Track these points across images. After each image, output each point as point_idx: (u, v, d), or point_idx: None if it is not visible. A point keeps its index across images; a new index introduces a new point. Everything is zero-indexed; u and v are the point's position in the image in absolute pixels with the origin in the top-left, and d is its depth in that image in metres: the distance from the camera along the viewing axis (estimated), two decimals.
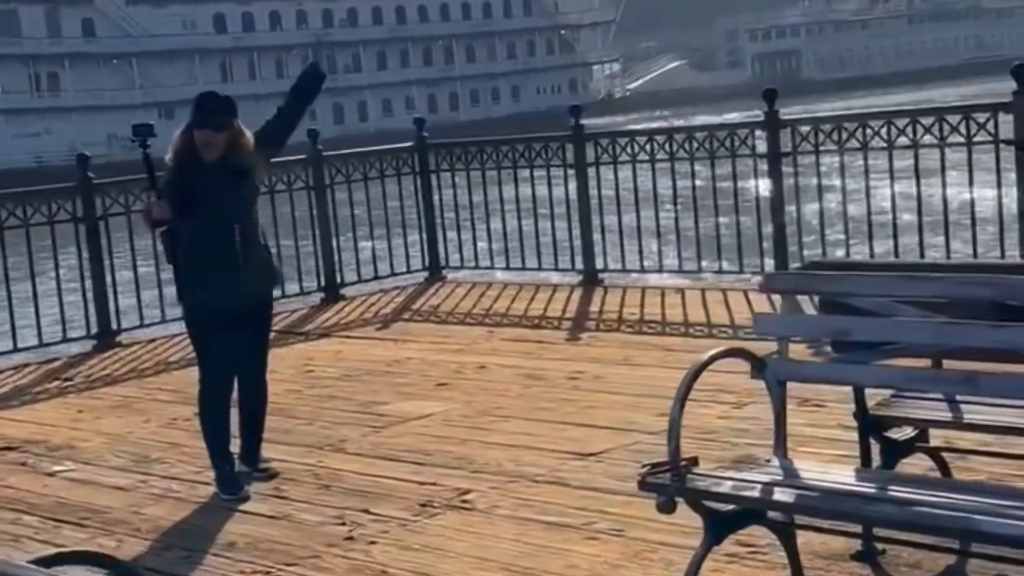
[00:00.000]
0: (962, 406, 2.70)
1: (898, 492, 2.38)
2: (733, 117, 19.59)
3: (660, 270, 7.87)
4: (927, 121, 6.22)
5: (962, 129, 6.06)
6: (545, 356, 6.19)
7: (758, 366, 2.68)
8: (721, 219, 7.49)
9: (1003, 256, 6.19)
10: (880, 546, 2.78)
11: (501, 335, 6.78)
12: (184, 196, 3.97)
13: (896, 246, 6.69)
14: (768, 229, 7.21)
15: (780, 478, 2.50)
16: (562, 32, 64.66)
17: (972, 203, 6.42)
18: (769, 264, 7.12)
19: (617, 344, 6.30)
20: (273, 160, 4.62)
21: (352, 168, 8.12)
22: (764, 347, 2.97)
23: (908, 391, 2.85)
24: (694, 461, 2.55)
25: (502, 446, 4.48)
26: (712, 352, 2.67)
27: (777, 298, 3.30)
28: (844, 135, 6.49)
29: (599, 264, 7.88)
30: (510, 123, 7.50)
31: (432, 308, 7.70)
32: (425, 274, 8.51)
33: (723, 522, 2.51)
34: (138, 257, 7.28)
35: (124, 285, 7.38)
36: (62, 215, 6.88)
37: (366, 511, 3.75)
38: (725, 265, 7.63)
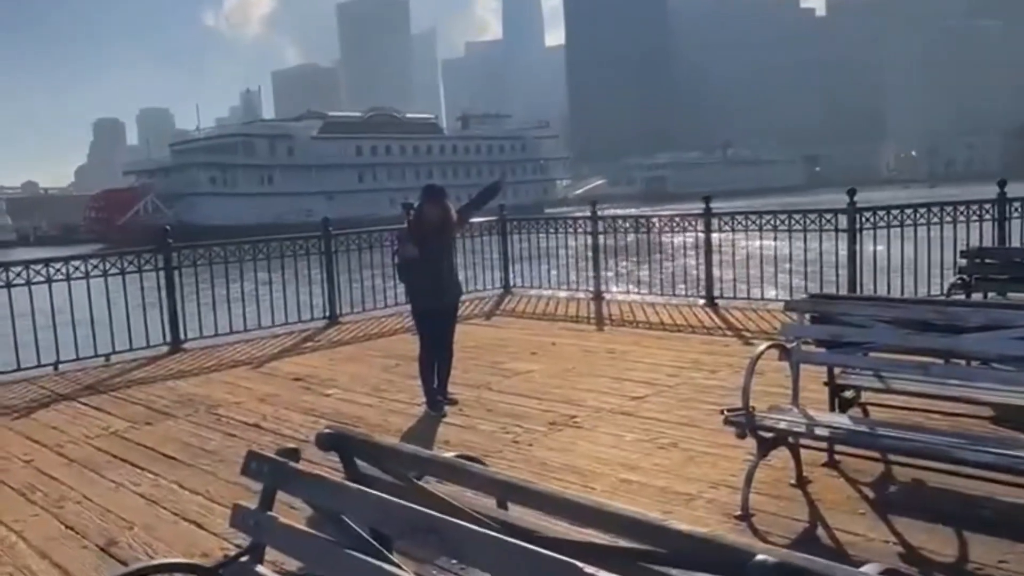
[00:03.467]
0: (884, 378, 4.83)
1: (883, 431, 4.19)
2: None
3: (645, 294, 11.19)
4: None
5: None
6: (590, 340, 8.96)
7: (786, 353, 4.83)
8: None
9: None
10: (838, 458, 4.98)
11: (558, 326, 9.98)
12: (416, 242, 6.18)
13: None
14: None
15: (803, 419, 4.42)
16: (541, 162, 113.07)
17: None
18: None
19: (627, 335, 9.21)
20: (464, 225, 7.47)
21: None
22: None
23: (852, 371, 4.96)
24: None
25: (584, 390, 6.72)
26: (764, 345, 4.79)
27: (793, 314, 5.44)
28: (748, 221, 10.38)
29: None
30: (516, 208, 12.42)
31: (511, 309, 11.28)
32: (501, 290, 12.66)
33: (767, 443, 4.38)
34: (353, 274, 10.98)
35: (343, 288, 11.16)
36: (313, 249, 10.73)
37: (518, 425, 5.86)
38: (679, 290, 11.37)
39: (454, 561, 2.74)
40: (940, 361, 4.62)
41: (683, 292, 11.11)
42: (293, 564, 2.52)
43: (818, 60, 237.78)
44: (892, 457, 4.62)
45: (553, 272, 12.41)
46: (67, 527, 4.51)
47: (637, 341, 8.75)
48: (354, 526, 1.97)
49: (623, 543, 1.79)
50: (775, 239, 10.19)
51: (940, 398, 4.67)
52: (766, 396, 5.06)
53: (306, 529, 2.03)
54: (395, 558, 1.92)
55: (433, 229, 6.22)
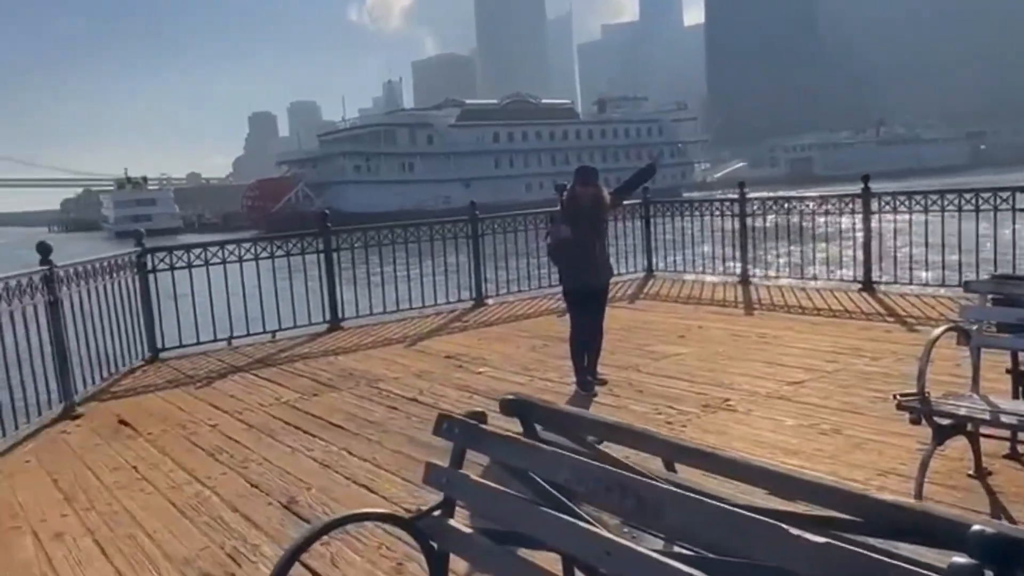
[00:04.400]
0: None
1: None
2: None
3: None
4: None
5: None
6: (738, 324, 8.74)
7: (965, 337, 4.56)
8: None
9: None
10: (1022, 449, 4.68)
11: (704, 310, 9.81)
12: (569, 223, 6.24)
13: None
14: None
15: (985, 406, 4.15)
16: (678, 145, 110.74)
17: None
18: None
19: (778, 319, 8.94)
20: (617, 207, 7.44)
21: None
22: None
23: None
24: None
25: (737, 374, 6.59)
26: (942, 327, 4.54)
27: (974, 296, 5.07)
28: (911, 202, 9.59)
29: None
30: (653, 193, 11.88)
31: (654, 292, 11.19)
32: (644, 273, 12.63)
33: (944, 431, 4.10)
34: (499, 257, 11.16)
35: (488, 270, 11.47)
36: (460, 233, 10.96)
37: (670, 407, 5.84)
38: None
39: (627, 530, 2.81)
40: None
41: (837, 276, 10.65)
42: (479, 521, 2.63)
43: (984, 28, 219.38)
44: None
45: (698, 256, 12.15)
46: (252, 485, 4.90)
47: (789, 326, 8.47)
48: (543, 483, 2.06)
49: (819, 511, 1.78)
50: (942, 220, 9.54)
51: None
52: (936, 384, 4.70)
53: (499, 487, 2.14)
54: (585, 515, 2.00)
55: (586, 210, 6.25)
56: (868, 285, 10.08)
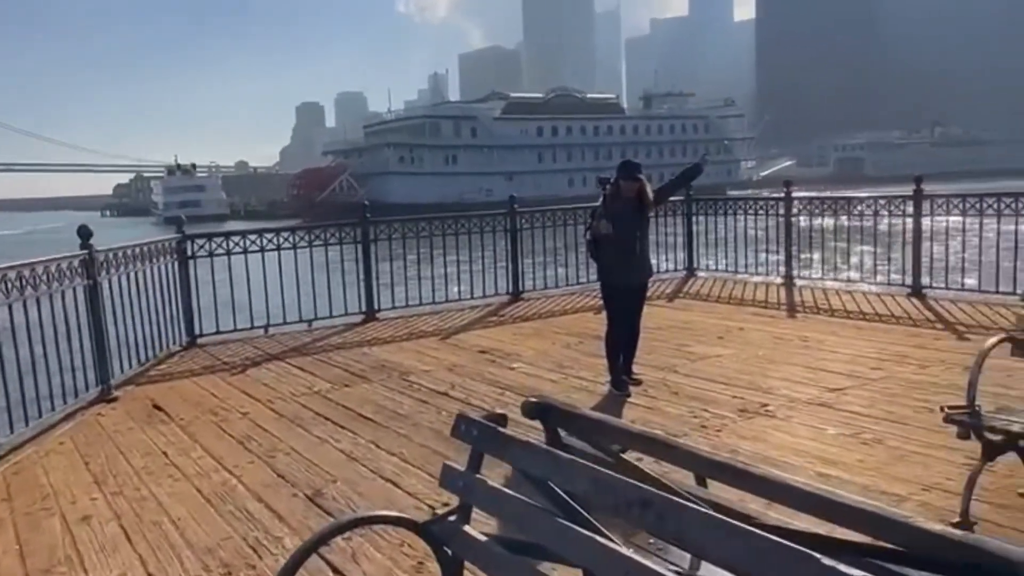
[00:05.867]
0: None
1: None
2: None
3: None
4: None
5: None
6: (780, 326, 8.51)
7: (1021, 349, 4.33)
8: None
9: None
10: None
11: (745, 311, 9.56)
12: (610, 218, 6.08)
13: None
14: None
15: None
16: (724, 142, 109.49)
17: None
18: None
19: (822, 323, 8.68)
20: (660, 204, 7.33)
21: None
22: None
23: None
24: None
25: (776, 378, 6.40)
26: (996, 337, 4.31)
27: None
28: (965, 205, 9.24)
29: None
30: (697, 191, 11.27)
31: (695, 292, 11.02)
32: (685, 272, 12.40)
33: (994, 447, 3.89)
34: (538, 249, 11.05)
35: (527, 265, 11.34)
36: (498, 227, 10.82)
37: (706, 410, 5.68)
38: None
39: (653, 541, 2.68)
40: None
41: (885, 280, 10.36)
42: (495, 527, 2.54)
43: None
44: None
45: (740, 255, 11.86)
46: (279, 475, 4.87)
47: (834, 331, 8.21)
48: (562, 494, 1.95)
49: (854, 537, 1.65)
50: (998, 225, 9.17)
51: None
52: (985, 395, 4.47)
53: (517, 495, 2.04)
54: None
55: (628, 206, 6.10)
56: (917, 290, 9.75)
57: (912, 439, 5.00)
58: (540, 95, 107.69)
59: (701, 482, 2.42)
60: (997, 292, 9.03)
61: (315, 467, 4.98)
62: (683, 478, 2.37)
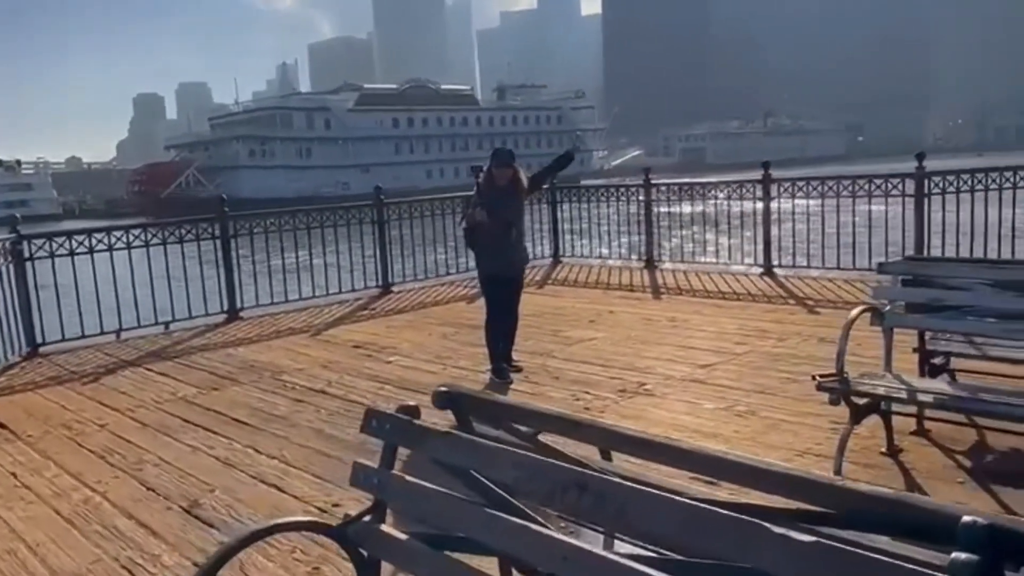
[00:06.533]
0: (979, 345, 4.61)
1: (990, 396, 3.91)
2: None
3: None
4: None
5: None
6: (647, 308, 8.79)
7: (879, 318, 4.64)
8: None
9: None
10: (928, 426, 4.81)
11: (613, 295, 9.80)
12: (486, 206, 6.04)
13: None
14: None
15: (901, 385, 4.23)
16: (576, 133, 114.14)
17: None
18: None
19: (685, 303, 9.05)
20: (534, 192, 7.14)
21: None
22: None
23: (942, 337, 4.73)
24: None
25: (650, 358, 6.59)
26: (859, 308, 4.58)
27: (886, 277, 5.18)
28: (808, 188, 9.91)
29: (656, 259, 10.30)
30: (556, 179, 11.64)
31: (562, 278, 11.19)
32: (551, 259, 12.56)
33: (861, 410, 4.18)
34: (406, 241, 10.79)
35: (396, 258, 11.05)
36: (365, 219, 10.56)
37: (587, 392, 5.76)
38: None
39: (564, 524, 2.66)
40: None
41: (738, 261, 10.91)
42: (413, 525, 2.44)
43: (869, 29, 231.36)
44: (986, 424, 4.45)
45: (604, 241, 12.20)
46: (148, 488, 4.53)
47: (697, 310, 8.58)
48: (488, 483, 1.89)
49: (783, 504, 1.69)
50: (837, 207, 9.84)
51: None
52: (847, 365, 4.86)
53: (437, 488, 1.95)
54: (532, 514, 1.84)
55: (502, 193, 6.10)
56: (769, 269, 10.34)
57: (781, 408, 5.27)
58: (395, 86, 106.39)
59: (606, 457, 2.43)
60: (838, 268, 9.72)
61: (189, 477, 4.67)
62: (594, 457, 2.36)
